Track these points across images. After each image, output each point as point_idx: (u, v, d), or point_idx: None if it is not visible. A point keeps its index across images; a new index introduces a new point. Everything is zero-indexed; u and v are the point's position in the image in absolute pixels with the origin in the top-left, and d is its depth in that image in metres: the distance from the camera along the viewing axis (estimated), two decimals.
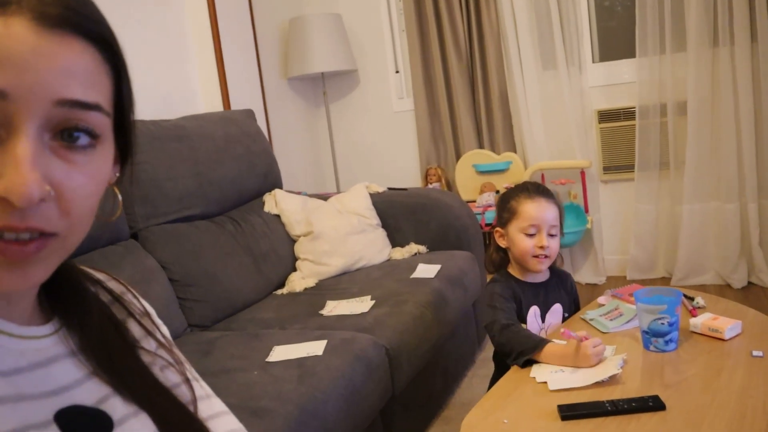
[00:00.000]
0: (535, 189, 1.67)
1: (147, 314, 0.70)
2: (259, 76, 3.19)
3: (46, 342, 0.57)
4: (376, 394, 1.70)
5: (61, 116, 0.47)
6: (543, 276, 1.71)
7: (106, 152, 0.53)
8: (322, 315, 2.02)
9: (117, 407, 0.58)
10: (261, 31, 3.31)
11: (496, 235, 1.70)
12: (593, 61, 3.42)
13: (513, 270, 1.71)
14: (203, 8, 2.82)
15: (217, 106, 2.87)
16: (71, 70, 0.47)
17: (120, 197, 0.61)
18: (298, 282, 2.37)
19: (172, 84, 2.75)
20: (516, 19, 3.34)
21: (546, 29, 3.32)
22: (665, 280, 3.28)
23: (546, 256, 1.62)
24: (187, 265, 2.10)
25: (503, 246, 1.69)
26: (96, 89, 0.50)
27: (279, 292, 2.36)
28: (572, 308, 1.77)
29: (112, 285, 0.68)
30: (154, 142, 2.16)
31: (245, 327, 2.02)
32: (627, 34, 3.25)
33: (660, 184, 3.26)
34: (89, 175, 0.50)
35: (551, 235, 1.63)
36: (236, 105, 2.91)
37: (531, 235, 1.61)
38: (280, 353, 1.68)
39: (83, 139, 0.49)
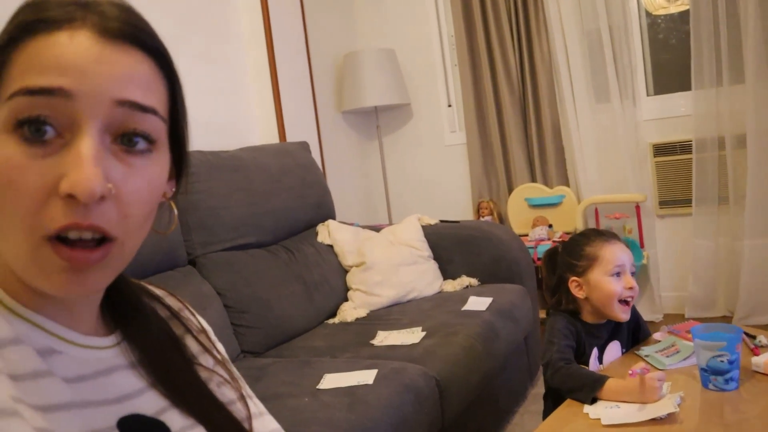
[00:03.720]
0: (607, 233, 1.66)
1: (204, 331, 0.72)
2: (314, 109, 3.26)
3: (107, 353, 0.59)
4: (425, 424, 1.69)
5: (121, 118, 0.51)
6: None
7: (161, 159, 0.56)
8: (372, 345, 2.03)
9: (175, 419, 0.60)
10: (316, 66, 3.40)
11: (572, 286, 1.63)
12: (647, 95, 3.38)
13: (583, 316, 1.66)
14: (261, 45, 2.92)
15: (273, 138, 2.95)
16: (130, 75, 0.52)
17: (176, 211, 0.64)
18: (349, 312, 2.39)
19: (230, 116, 2.84)
20: (568, 52, 3.34)
21: (599, 62, 3.31)
22: (726, 319, 3.15)
23: (630, 301, 1.60)
24: (242, 292, 2.14)
25: (581, 296, 1.62)
26: (153, 94, 0.54)
27: (330, 321, 2.38)
28: (630, 340, 1.73)
29: (170, 301, 0.71)
30: (212, 172, 2.23)
31: (297, 354, 2.04)
32: (682, 66, 3.21)
33: (719, 219, 3.16)
34: (146, 179, 0.53)
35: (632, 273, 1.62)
36: (291, 137, 2.98)
37: (616, 279, 1.59)
38: (331, 381, 1.69)
39: (141, 144, 0.53)
